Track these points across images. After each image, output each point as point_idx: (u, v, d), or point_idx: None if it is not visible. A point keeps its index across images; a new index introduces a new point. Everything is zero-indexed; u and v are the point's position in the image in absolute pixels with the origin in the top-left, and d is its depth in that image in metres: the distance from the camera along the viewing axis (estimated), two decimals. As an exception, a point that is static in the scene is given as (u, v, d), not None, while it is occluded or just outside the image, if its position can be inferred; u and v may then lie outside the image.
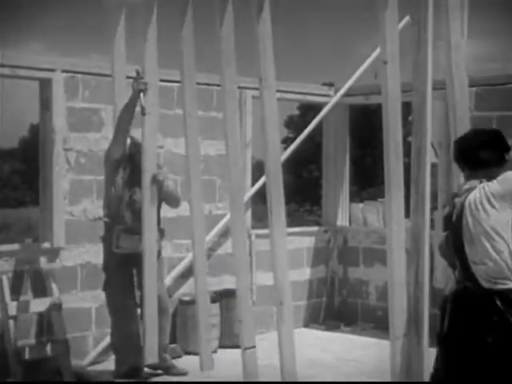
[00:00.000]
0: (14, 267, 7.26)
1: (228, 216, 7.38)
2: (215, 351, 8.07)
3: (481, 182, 4.59)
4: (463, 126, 5.39)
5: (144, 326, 6.65)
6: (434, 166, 6.83)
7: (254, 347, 6.10)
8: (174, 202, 7.16)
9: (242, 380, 6.11)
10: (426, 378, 5.69)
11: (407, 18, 8.34)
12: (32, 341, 7.31)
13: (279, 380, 5.99)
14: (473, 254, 4.54)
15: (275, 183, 5.92)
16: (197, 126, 6.51)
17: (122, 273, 7.02)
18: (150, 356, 6.61)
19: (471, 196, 4.56)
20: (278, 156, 5.98)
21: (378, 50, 9.43)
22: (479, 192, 4.54)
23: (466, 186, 4.65)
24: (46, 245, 7.50)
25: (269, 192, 5.92)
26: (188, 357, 7.81)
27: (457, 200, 4.65)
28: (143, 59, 6.71)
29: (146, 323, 6.61)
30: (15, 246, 7.44)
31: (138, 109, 6.80)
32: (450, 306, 4.64)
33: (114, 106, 7.11)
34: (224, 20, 6.02)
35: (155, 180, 6.70)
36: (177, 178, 7.80)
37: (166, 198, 7.05)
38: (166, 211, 7.53)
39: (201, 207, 6.58)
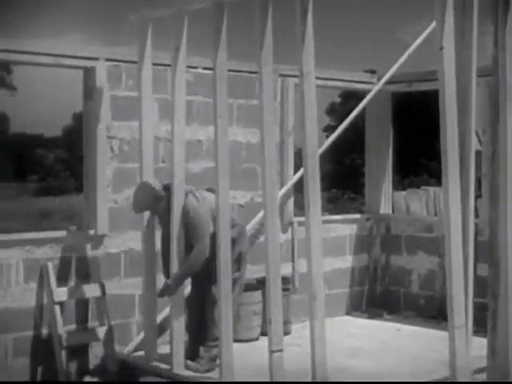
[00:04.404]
0: (59, 254, 7.33)
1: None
2: (257, 338, 8.10)
3: None
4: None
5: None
6: (478, 153, 6.77)
7: (281, 350, 6.07)
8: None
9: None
10: (471, 366, 5.69)
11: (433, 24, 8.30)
12: (77, 327, 7.38)
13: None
14: None
15: (312, 176, 5.90)
16: (226, 115, 6.54)
17: None
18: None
19: None
20: (316, 148, 5.97)
21: (421, 37, 9.37)
22: None
23: None
24: (90, 232, 7.56)
25: (306, 185, 5.91)
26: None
27: None
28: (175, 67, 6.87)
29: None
30: (60, 233, 7.51)
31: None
32: None
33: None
34: (265, 19, 6.03)
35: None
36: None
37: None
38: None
39: (227, 195, 6.59)
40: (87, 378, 7.32)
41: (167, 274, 7.05)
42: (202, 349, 7.03)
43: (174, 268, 6.87)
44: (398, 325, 9.05)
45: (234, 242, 6.88)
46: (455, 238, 5.48)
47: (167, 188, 6.98)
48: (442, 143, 5.48)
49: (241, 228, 7.20)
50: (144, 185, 7.07)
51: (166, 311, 7.48)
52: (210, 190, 7.08)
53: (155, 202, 6.99)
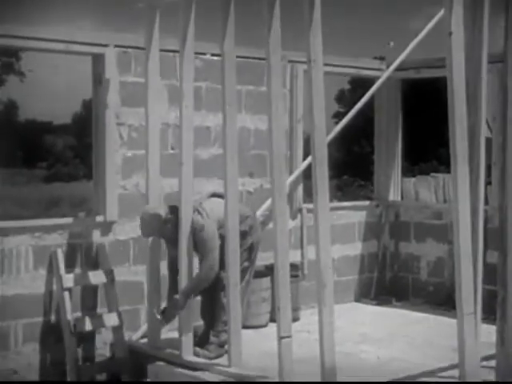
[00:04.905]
0: (68, 240, 7.35)
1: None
2: (266, 325, 8.11)
3: None
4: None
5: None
6: (487, 140, 6.76)
7: (290, 336, 6.09)
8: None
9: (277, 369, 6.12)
10: (480, 354, 5.69)
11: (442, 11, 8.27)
12: (86, 313, 7.40)
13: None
14: None
15: (320, 163, 5.88)
16: (235, 103, 6.53)
17: None
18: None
19: None
20: (324, 134, 5.93)
21: (430, 24, 9.33)
22: None
23: None
24: (100, 218, 7.57)
25: (314, 171, 5.89)
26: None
27: None
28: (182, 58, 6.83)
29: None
30: (69, 220, 7.52)
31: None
32: None
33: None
34: (273, 5, 5.97)
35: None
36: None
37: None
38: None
39: (236, 182, 6.61)
40: (98, 377, 7.36)
41: (172, 296, 7.04)
42: (211, 333, 7.05)
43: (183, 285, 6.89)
44: (405, 311, 9.09)
45: (245, 234, 6.90)
46: (464, 225, 5.47)
47: (174, 209, 6.92)
48: (450, 130, 5.46)
49: (252, 219, 7.18)
50: (147, 213, 6.95)
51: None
52: (217, 195, 7.03)
53: (162, 226, 6.92)
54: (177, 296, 6.86)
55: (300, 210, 9.06)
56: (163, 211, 6.91)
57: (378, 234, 9.93)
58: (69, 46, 7.37)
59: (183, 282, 6.86)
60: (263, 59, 6.50)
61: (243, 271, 6.81)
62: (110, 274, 7.44)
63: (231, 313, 6.52)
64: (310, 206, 8.94)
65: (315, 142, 5.86)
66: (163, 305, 7.27)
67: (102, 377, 7.40)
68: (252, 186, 8.66)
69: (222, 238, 6.69)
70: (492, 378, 5.68)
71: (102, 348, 7.55)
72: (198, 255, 6.94)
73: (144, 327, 7.65)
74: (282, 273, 6.06)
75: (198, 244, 6.87)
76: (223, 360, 6.75)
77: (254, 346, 7.21)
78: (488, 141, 7.16)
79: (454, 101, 5.42)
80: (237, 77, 6.54)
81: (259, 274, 8.00)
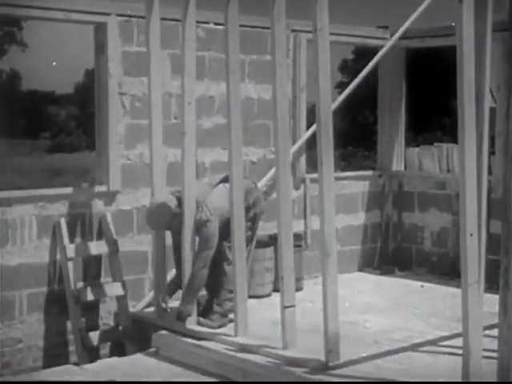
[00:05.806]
0: (71, 210, 7.36)
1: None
2: (269, 295, 8.13)
3: None
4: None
5: None
6: (491, 110, 6.72)
7: (293, 306, 6.11)
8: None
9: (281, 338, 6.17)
10: (483, 323, 5.71)
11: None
12: (90, 283, 7.42)
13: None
14: None
15: (326, 133, 5.85)
16: (238, 71, 6.51)
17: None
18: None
19: None
20: (329, 104, 5.90)
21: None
22: None
23: None
24: (103, 188, 7.57)
25: (319, 141, 5.87)
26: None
27: None
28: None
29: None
30: (72, 190, 7.52)
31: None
32: None
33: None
34: None
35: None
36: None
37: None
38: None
39: (240, 153, 6.59)
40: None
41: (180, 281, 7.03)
42: (215, 302, 7.06)
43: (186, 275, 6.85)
44: (408, 281, 9.11)
45: (248, 208, 6.90)
46: (470, 195, 5.45)
47: (180, 201, 6.85)
48: (458, 99, 5.42)
49: (254, 191, 7.15)
50: (161, 206, 6.84)
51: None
52: (224, 180, 6.97)
53: (171, 220, 6.85)
54: (180, 307, 6.87)
55: (303, 180, 9.05)
56: (173, 204, 6.82)
57: (382, 204, 9.93)
58: (70, 14, 7.32)
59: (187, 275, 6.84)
60: (267, 28, 6.48)
61: (245, 240, 6.82)
62: (113, 243, 7.45)
63: (237, 281, 6.51)
64: (314, 176, 8.98)
65: (320, 112, 5.84)
66: (168, 276, 7.32)
67: (105, 345, 7.45)
68: (255, 156, 8.65)
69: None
70: (494, 347, 5.69)
71: (107, 317, 7.59)
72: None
73: (148, 297, 7.68)
74: (285, 242, 6.06)
75: (199, 239, 6.85)
76: (227, 329, 6.77)
77: (257, 316, 7.23)
78: (492, 110, 7.13)
79: (464, 70, 5.37)
80: (240, 46, 6.50)
81: (263, 244, 8.01)
